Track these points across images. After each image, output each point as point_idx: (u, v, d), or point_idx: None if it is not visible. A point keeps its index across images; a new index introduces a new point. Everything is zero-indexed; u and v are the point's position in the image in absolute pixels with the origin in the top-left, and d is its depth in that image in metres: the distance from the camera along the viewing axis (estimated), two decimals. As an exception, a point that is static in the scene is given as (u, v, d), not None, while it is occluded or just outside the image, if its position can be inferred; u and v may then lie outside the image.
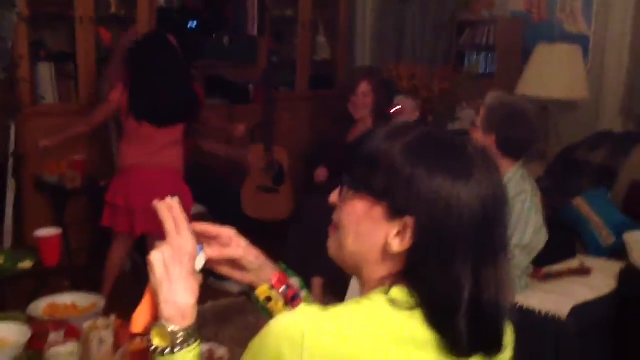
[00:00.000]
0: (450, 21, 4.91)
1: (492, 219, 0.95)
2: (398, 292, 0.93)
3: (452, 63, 4.87)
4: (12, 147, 3.90)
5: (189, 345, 1.01)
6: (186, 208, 3.40)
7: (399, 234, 0.95)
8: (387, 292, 0.94)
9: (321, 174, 3.73)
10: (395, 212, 0.95)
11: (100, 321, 2.17)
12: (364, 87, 3.77)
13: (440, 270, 0.92)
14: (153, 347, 1.01)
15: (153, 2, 4.23)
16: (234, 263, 1.18)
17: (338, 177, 3.94)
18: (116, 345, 2.08)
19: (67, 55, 4.16)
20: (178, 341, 1.00)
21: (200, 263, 1.10)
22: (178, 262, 1.04)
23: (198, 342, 1.03)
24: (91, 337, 2.06)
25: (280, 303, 1.18)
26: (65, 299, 2.43)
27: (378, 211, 0.97)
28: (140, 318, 1.05)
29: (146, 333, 1.04)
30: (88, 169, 3.94)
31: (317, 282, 3.32)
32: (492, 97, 2.71)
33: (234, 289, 3.58)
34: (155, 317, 1.03)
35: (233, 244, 1.17)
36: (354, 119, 3.79)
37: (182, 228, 1.07)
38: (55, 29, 4.25)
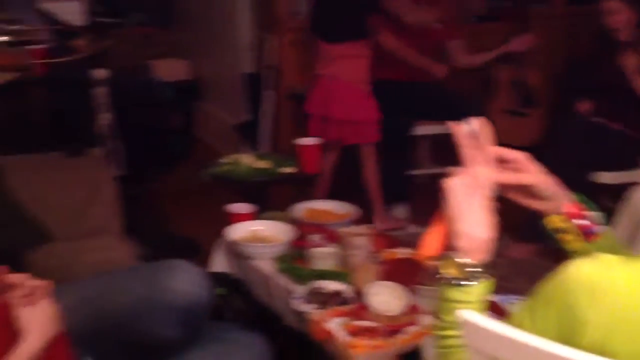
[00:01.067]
0: None
1: None
2: None
3: None
4: (267, 59, 4.16)
5: (481, 280, 1.00)
6: (369, 121, 3.44)
7: None
8: None
9: (586, 108, 3.42)
10: None
11: (357, 228, 2.29)
12: (611, 4, 3.31)
13: None
14: (443, 276, 1.01)
15: None
16: (524, 189, 1.13)
17: (606, 105, 3.58)
18: (372, 252, 2.18)
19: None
20: (471, 275, 0.99)
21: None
22: (475, 193, 1.02)
23: (490, 278, 1.01)
24: (349, 242, 2.18)
25: (574, 237, 1.12)
26: (323, 205, 2.59)
27: None
28: (431, 242, 1.06)
29: (436, 258, 1.05)
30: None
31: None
32: None
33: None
34: (447, 244, 1.03)
35: (526, 170, 1.11)
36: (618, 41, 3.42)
37: (482, 157, 1.04)
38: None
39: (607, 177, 3.04)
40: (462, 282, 0.99)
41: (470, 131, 1.07)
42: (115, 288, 1.54)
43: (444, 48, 3.78)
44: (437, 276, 1.02)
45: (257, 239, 2.31)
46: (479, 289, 1.00)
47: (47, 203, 2.42)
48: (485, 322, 0.94)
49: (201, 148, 4.55)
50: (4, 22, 3.11)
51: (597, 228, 1.12)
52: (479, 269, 1.00)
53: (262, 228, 2.36)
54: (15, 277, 1.31)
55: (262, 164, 2.77)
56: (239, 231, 2.33)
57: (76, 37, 3.32)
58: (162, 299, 1.48)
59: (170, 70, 4.83)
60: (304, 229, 2.36)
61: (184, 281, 1.52)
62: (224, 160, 2.84)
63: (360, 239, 2.17)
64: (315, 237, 2.29)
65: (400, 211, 3.58)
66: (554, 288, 0.90)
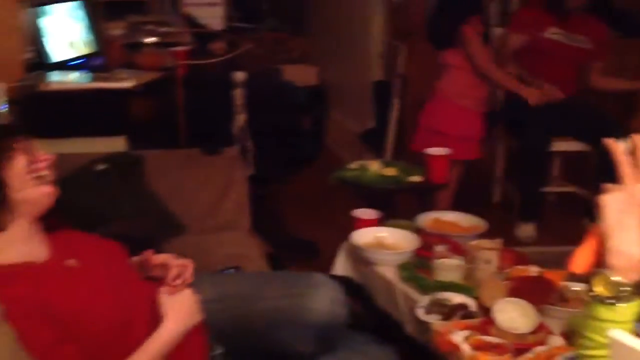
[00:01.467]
0: None
1: None
2: None
3: None
4: (399, 68, 4.15)
5: (633, 301, 0.96)
6: (459, 137, 3.29)
7: None
8: None
9: None
10: None
11: (485, 242, 2.23)
12: None
13: None
14: (594, 294, 0.99)
15: None
16: None
17: None
18: (500, 268, 2.13)
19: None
20: (623, 294, 0.96)
21: None
22: (632, 211, 0.99)
23: None
24: (477, 256, 2.13)
25: None
26: (449, 217, 2.55)
27: None
28: (581, 258, 1.04)
29: (585, 275, 1.02)
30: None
31: None
32: None
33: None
34: (598, 261, 1.01)
35: None
36: None
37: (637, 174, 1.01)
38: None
39: None
40: (615, 302, 0.96)
41: (629, 149, 1.04)
42: (254, 293, 1.58)
43: (582, 68, 3.65)
44: (589, 294, 0.99)
45: (381, 246, 2.31)
46: (630, 310, 0.96)
47: (182, 196, 2.54)
48: (638, 344, 0.90)
49: (325, 153, 4.62)
50: (154, 24, 3.30)
51: None
52: (631, 289, 0.96)
53: (386, 235, 2.35)
54: (161, 257, 1.38)
55: (389, 172, 2.76)
56: (363, 237, 2.34)
57: (215, 40, 3.47)
58: (301, 314, 1.50)
59: (300, 75, 4.93)
60: (428, 239, 2.33)
61: (323, 299, 1.54)
62: (351, 165, 2.86)
63: (488, 253, 2.12)
64: (441, 248, 2.26)
65: (528, 230, 3.45)
66: None
